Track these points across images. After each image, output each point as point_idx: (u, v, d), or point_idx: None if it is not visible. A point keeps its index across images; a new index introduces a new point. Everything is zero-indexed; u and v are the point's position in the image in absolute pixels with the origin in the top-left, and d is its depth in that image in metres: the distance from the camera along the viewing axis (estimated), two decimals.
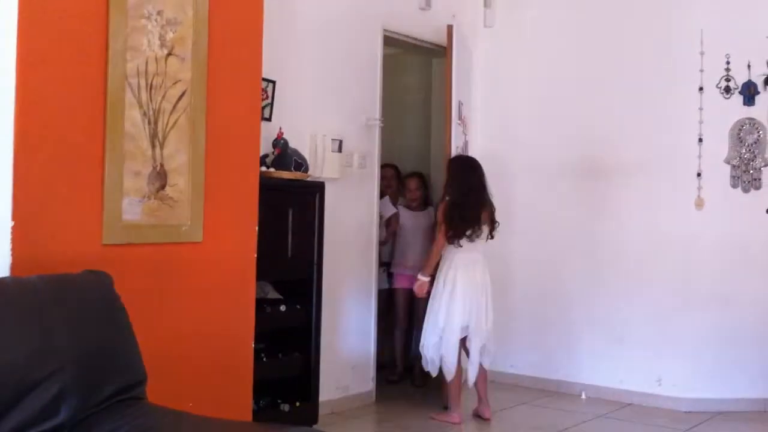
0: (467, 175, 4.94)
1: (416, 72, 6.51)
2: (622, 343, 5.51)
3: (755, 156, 5.36)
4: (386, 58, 5.61)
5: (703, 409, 5.15)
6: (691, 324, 5.32)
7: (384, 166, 5.74)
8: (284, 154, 4.41)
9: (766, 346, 5.24)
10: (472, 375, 4.88)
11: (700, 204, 5.34)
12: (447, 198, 4.92)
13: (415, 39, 5.75)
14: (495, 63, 6.15)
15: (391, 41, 5.60)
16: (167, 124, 3.42)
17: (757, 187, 5.34)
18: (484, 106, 6.13)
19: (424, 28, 5.73)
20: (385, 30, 5.41)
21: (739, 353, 5.27)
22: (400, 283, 5.81)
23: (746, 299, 5.28)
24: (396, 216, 5.86)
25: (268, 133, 4.43)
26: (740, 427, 4.83)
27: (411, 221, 5.86)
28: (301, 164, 4.46)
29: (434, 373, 4.94)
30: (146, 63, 3.34)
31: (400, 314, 5.83)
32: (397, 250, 5.88)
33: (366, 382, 5.21)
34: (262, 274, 3.90)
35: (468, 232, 4.82)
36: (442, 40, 5.92)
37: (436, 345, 4.83)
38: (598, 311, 5.61)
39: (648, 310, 5.45)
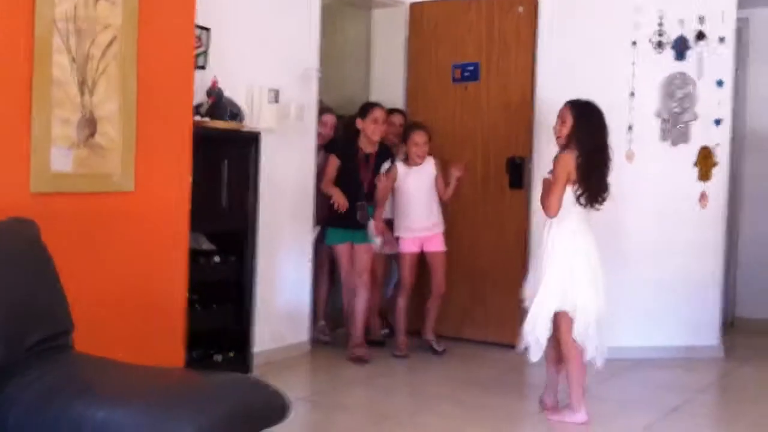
0: (603, 125, 4.17)
1: (356, 23, 6.46)
2: None
3: (685, 110, 5.48)
4: (325, 8, 5.55)
5: (627, 357, 5.32)
6: (620, 274, 5.45)
7: (392, 111, 5.69)
8: (219, 104, 4.35)
9: (693, 295, 5.42)
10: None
11: (630, 157, 5.45)
12: (575, 150, 4.05)
13: None
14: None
15: None
16: (96, 70, 3.36)
17: (686, 141, 5.48)
18: None
19: None
20: None
21: (668, 303, 5.45)
22: (407, 248, 5.44)
23: (674, 250, 5.44)
24: (394, 171, 5.41)
25: (202, 82, 4.37)
26: (658, 374, 5.01)
27: (413, 179, 5.44)
28: (236, 114, 4.42)
29: (537, 359, 4.15)
30: (75, 7, 3.26)
31: (407, 281, 5.45)
32: (400, 212, 5.49)
33: (301, 332, 5.26)
34: (196, 225, 3.90)
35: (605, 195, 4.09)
36: None
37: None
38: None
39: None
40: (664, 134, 5.49)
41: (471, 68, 6.00)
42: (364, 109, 5.28)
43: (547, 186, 4.10)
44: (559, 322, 4.02)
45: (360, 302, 5.21)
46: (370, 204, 5.26)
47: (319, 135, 5.45)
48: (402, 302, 5.42)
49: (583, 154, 4.02)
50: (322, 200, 5.29)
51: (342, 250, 5.25)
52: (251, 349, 4.55)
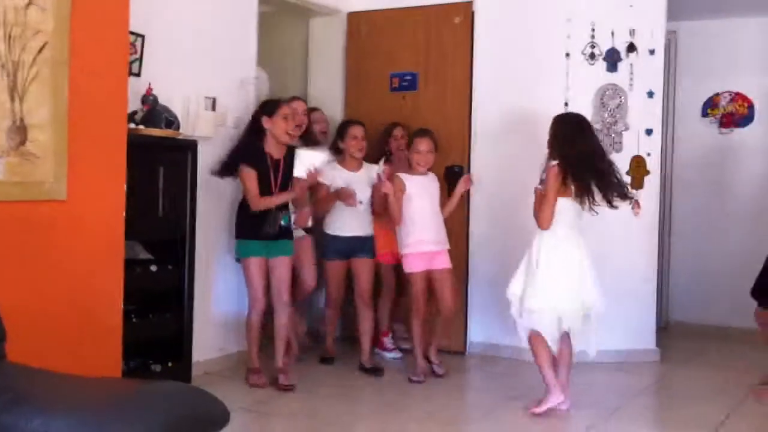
0: (579, 134, 4.32)
1: (294, 31, 6.45)
2: (491, 301, 5.70)
3: (617, 120, 5.61)
4: (263, 16, 5.54)
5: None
6: None
7: (395, 125, 5.60)
8: (154, 111, 4.30)
9: (629, 300, 5.52)
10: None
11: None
12: (558, 161, 4.23)
13: None
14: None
15: None
16: (27, 77, 3.29)
17: (618, 150, 5.60)
18: None
19: None
20: None
21: (606, 308, 5.52)
22: (415, 266, 4.95)
23: (610, 256, 5.52)
24: (399, 181, 5.01)
25: (137, 89, 4.32)
26: (598, 377, 5.09)
27: (418, 190, 5.01)
28: (172, 122, 4.37)
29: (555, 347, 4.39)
30: (4, 13, 3.20)
31: (420, 304, 4.98)
32: (405, 227, 5.00)
33: (240, 342, 5.19)
34: (131, 234, 3.84)
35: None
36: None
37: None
38: (478, 269, 5.77)
39: (516, 269, 5.63)
40: None
41: (409, 77, 6.05)
42: (268, 106, 4.74)
43: (540, 197, 4.26)
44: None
45: (281, 325, 4.73)
46: (285, 213, 4.72)
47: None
48: (418, 325, 4.99)
49: (566, 164, 4.18)
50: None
51: (252, 263, 4.63)
52: (190, 358, 4.49)
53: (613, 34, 5.59)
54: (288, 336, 4.87)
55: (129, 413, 2.13)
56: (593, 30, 5.59)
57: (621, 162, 5.53)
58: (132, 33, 4.18)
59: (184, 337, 4.43)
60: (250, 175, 4.57)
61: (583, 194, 4.19)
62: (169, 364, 4.34)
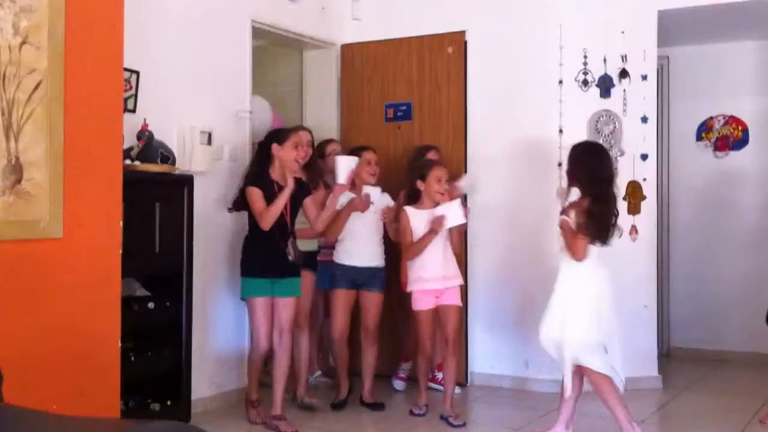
0: (601, 167, 4.24)
1: (287, 64, 6.47)
2: (493, 330, 5.67)
3: (611, 146, 5.61)
4: (256, 50, 5.56)
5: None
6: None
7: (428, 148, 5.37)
8: (149, 147, 4.29)
9: (629, 327, 5.45)
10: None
11: (561, 193, 5.54)
12: (581, 194, 4.16)
13: (285, 30, 5.72)
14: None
15: (260, 33, 5.55)
16: (22, 115, 3.29)
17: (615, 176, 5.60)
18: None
19: (293, 19, 5.71)
20: (253, 21, 5.35)
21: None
22: (423, 304, 4.75)
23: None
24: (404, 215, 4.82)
25: (132, 125, 4.32)
26: (596, 405, 5.04)
27: (424, 223, 4.76)
28: (167, 157, 4.36)
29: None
30: None
31: (427, 344, 4.80)
32: (413, 262, 4.77)
33: (241, 379, 5.14)
34: (128, 271, 3.81)
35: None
36: (312, 31, 5.95)
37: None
38: (478, 298, 5.73)
39: (516, 297, 5.62)
40: None
41: (404, 108, 6.07)
42: (278, 133, 4.65)
43: (568, 229, 4.13)
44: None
45: (281, 370, 4.53)
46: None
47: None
48: (423, 362, 4.87)
49: (587, 197, 4.11)
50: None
51: (257, 303, 4.45)
52: (189, 396, 4.44)
53: (605, 60, 5.62)
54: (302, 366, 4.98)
55: None
56: (585, 57, 5.62)
57: (617, 187, 5.55)
58: (126, 69, 4.18)
59: (183, 374, 4.38)
60: (256, 193, 4.41)
61: (600, 234, 4.13)
62: (168, 403, 4.28)
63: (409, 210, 4.78)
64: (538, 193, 5.59)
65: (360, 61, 6.17)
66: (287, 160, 4.51)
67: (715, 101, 6.70)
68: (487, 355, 5.72)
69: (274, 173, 4.52)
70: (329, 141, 5.61)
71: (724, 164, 6.69)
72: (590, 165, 4.19)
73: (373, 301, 5.05)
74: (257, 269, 4.48)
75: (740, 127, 6.65)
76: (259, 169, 4.57)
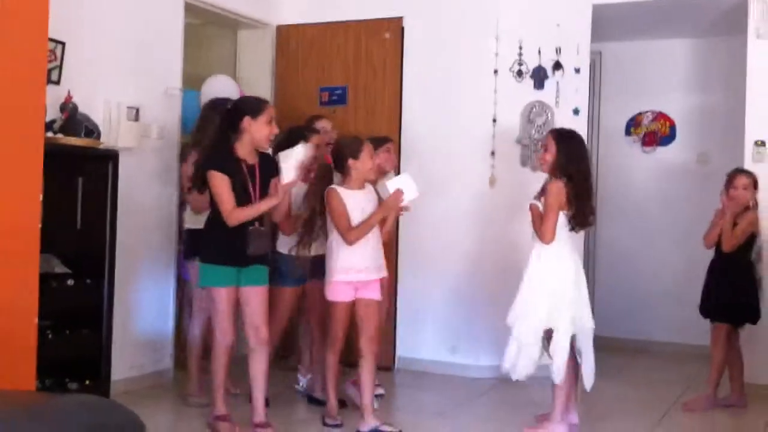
0: (584, 153, 4.29)
1: (221, 44, 6.36)
2: (420, 316, 5.69)
3: (544, 137, 5.66)
4: (190, 27, 5.44)
5: (491, 375, 5.42)
6: (482, 295, 5.57)
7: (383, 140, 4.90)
8: (73, 120, 4.17)
9: None
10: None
11: (492, 182, 5.59)
12: (563, 178, 4.14)
13: (219, 8, 5.62)
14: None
15: (193, 10, 5.43)
16: None
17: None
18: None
19: None
20: None
21: None
22: (344, 295, 4.20)
23: None
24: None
25: (56, 97, 4.19)
26: (522, 392, 5.11)
27: (356, 207, 4.20)
28: (92, 131, 4.24)
29: (524, 376, 4.29)
30: None
31: (339, 337, 4.30)
32: (335, 250, 4.20)
33: (163, 360, 5.06)
34: (48, 247, 3.70)
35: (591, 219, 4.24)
36: (248, 10, 5.86)
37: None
38: (406, 283, 5.74)
39: (445, 284, 5.65)
40: (525, 160, 5.66)
41: (339, 92, 6.03)
42: (254, 104, 4.02)
43: (537, 213, 4.19)
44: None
45: (259, 371, 4.02)
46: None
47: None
48: (334, 359, 4.34)
49: (570, 182, 4.12)
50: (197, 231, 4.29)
51: (222, 295, 3.93)
52: (108, 377, 4.35)
53: (540, 52, 5.67)
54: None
55: (39, 425, 2.03)
56: (521, 48, 5.65)
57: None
58: (52, 40, 4.06)
59: (103, 354, 4.28)
60: (222, 182, 3.82)
61: (579, 214, 4.16)
62: (87, 383, 4.19)
63: (340, 190, 4.18)
64: (470, 181, 5.62)
65: (296, 43, 6.11)
66: (260, 137, 3.93)
67: (645, 97, 6.82)
68: (415, 341, 5.73)
69: (241, 150, 3.92)
70: (318, 117, 5.10)
71: (651, 159, 6.84)
72: (571, 146, 4.22)
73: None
74: (222, 256, 3.91)
75: (668, 123, 6.79)
76: (222, 145, 3.94)
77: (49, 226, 3.61)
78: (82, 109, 4.31)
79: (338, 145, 4.35)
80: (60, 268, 4.16)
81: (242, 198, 3.88)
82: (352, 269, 4.18)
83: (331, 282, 4.20)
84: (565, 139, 4.24)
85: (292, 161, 3.94)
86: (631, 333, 6.66)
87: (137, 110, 4.79)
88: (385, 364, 5.63)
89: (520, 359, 4.20)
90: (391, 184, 4.22)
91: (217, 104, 4.57)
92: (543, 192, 4.25)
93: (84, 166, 4.20)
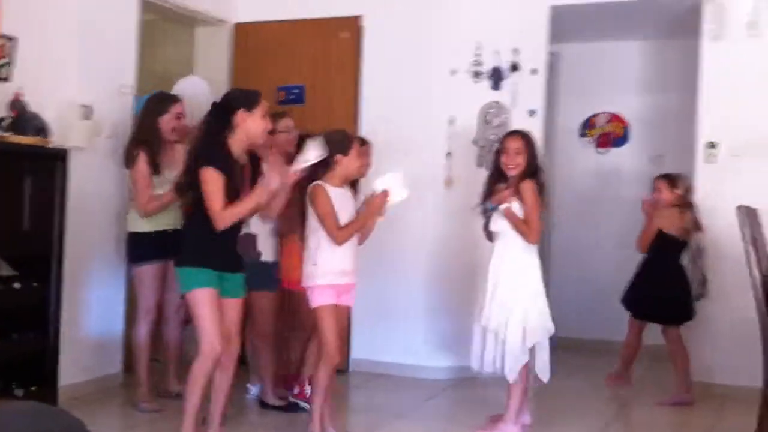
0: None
1: (178, 41, 6.28)
2: (375, 318, 5.68)
3: (500, 137, 5.67)
4: (145, 24, 5.36)
5: (447, 377, 5.43)
6: (438, 296, 5.58)
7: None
8: (22, 118, 4.08)
9: None
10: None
11: (449, 183, 5.60)
12: (533, 178, 4.19)
13: (176, 5, 5.54)
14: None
15: (149, 6, 5.35)
16: None
17: None
18: None
19: None
20: None
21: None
22: (328, 298, 3.94)
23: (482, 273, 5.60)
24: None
25: (5, 95, 4.11)
26: (479, 391, 5.14)
27: (338, 206, 3.95)
28: (41, 129, 4.15)
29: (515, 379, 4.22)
30: None
31: (333, 346, 3.96)
32: (315, 252, 3.93)
33: (113, 364, 4.98)
34: None
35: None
36: (204, 7, 5.79)
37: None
38: (361, 283, 5.66)
39: (400, 285, 5.65)
40: (481, 160, 5.67)
41: (296, 91, 5.99)
42: (249, 97, 3.71)
43: (511, 215, 4.16)
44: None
45: (225, 379, 3.75)
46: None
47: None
48: (326, 374, 4.00)
49: (539, 181, 4.19)
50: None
51: (208, 296, 3.58)
52: (55, 381, 4.26)
53: (497, 53, 5.68)
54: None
55: None
56: (478, 48, 5.66)
57: None
58: (2, 36, 3.97)
59: (49, 358, 4.19)
60: (218, 180, 3.49)
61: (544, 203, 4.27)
62: (33, 388, 4.10)
63: (327, 186, 3.92)
64: (426, 183, 5.62)
65: (253, 42, 6.06)
66: (256, 132, 3.64)
67: (599, 98, 6.90)
68: (369, 342, 5.72)
69: (235, 148, 3.63)
70: (281, 114, 4.80)
71: (605, 160, 6.90)
72: (535, 148, 4.31)
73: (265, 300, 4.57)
74: (208, 259, 3.60)
75: (621, 125, 6.87)
76: (217, 141, 3.60)
77: None
78: (34, 107, 4.22)
79: (327, 139, 3.92)
80: (6, 271, 4.07)
81: (235, 200, 3.57)
82: (334, 272, 3.93)
83: (315, 286, 3.92)
84: (532, 141, 4.31)
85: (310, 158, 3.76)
86: (586, 333, 6.71)
87: (89, 108, 4.70)
88: (338, 366, 5.61)
89: (508, 360, 4.17)
90: (380, 182, 4.02)
91: (160, 98, 4.66)
92: (495, 194, 4.24)
93: (33, 165, 4.11)
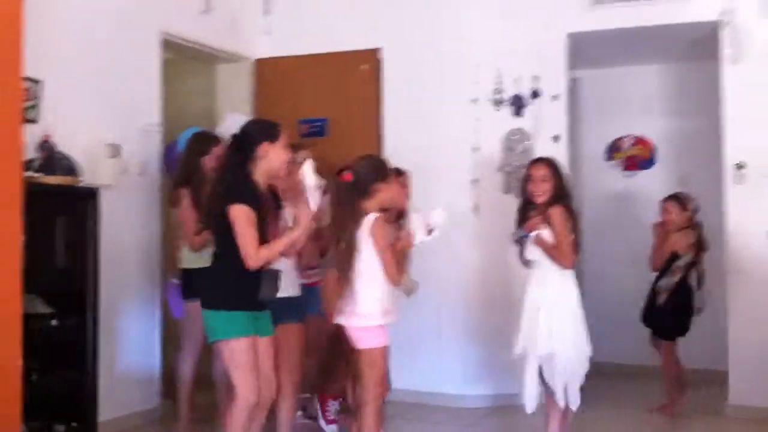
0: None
1: (199, 78, 6.34)
2: (407, 347, 5.63)
3: (524, 164, 5.67)
4: (167, 62, 5.42)
5: (483, 405, 5.39)
6: (465, 325, 5.54)
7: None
8: (51, 158, 4.13)
9: None
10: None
11: (476, 209, 5.58)
12: (563, 204, 4.16)
13: (196, 44, 5.61)
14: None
15: (171, 45, 5.42)
16: None
17: None
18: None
19: (205, 32, 5.61)
20: (163, 33, 5.23)
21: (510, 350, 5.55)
22: (382, 341, 3.76)
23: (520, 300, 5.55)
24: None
25: (34, 136, 4.15)
26: (513, 420, 5.08)
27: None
28: (71, 169, 4.19)
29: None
30: None
31: (383, 388, 3.94)
32: (370, 289, 3.72)
33: (151, 398, 4.97)
34: (30, 288, 3.62)
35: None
36: (224, 45, 5.85)
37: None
38: None
39: (429, 314, 5.60)
40: (507, 187, 5.65)
41: (318, 124, 6.02)
42: (270, 128, 3.57)
43: (541, 242, 4.12)
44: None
45: (285, 413, 3.79)
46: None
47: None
48: (373, 415, 3.78)
49: (567, 207, 4.16)
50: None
51: (244, 346, 3.41)
52: (95, 417, 4.25)
53: (518, 80, 5.69)
54: None
55: None
56: (499, 76, 5.68)
57: None
58: (27, 79, 4.02)
59: (87, 394, 4.19)
60: (249, 217, 3.33)
61: (577, 238, 4.21)
62: (74, 425, 4.09)
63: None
64: (454, 210, 5.58)
65: (274, 76, 6.10)
66: (279, 164, 3.50)
67: (623, 122, 6.88)
68: (403, 372, 5.63)
69: (258, 181, 3.50)
70: (298, 146, 4.55)
71: (632, 183, 6.87)
72: (563, 174, 4.27)
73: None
74: (242, 300, 3.42)
75: (647, 148, 6.85)
76: (243, 175, 3.45)
77: (30, 266, 3.53)
78: (61, 147, 4.27)
79: (366, 165, 3.79)
80: (43, 308, 4.08)
81: (260, 237, 3.40)
82: (388, 312, 3.73)
83: (373, 327, 3.69)
84: (557, 167, 4.27)
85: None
86: (616, 358, 6.60)
87: (117, 147, 4.74)
88: None
89: (570, 390, 4.09)
90: (416, 222, 3.86)
91: (203, 137, 4.60)
92: (528, 221, 4.21)
93: (64, 204, 4.14)
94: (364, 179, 3.68)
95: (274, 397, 3.64)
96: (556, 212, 4.10)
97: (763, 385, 5.16)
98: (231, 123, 4.67)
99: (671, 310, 5.29)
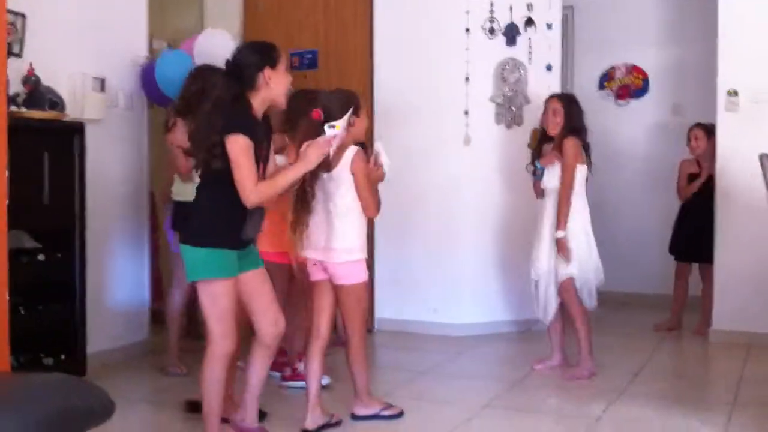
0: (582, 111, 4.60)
1: (188, 10, 6.25)
2: (399, 278, 5.69)
3: (517, 94, 5.64)
4: None
5: (473, 333, 5.46)
6: (462, 255, 5.58)
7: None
8: (36, 92, 4.09)
9: (525, 272, 5.59)
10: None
11: (468, 141, 5.56)
12: (576, 135, 4.44)
13: None
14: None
15: None
16: None
17: (519, 123, 5.64)
18: None
19: None
20: None
21: (505, 280, 5.61)
22: (366, 274, 3.71)
23: (511, 229, 5.59)
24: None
25: (18, 71, 4.09)
26: (503, 346, 5.22)
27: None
28: (56, 103, 4.16)
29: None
30: None
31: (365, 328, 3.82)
32: (358, 223, 3.67)
33: (140, 332, 5.04)
34: (15, 223, 3.63)
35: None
36: None
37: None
38: (382, 245, 5.72)
39: (423, 245, 5.64)
40: (499, 118, 5.63)
41: (309, 56, 5.96)
42: (270, 52, 3.20)
43: (562, 247, 4.44)
44: (568, 286, 4.48)
45: (263, 366, 3.38)
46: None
47: None
48: (362, 358, 3.78)
49: (579, 138, 4.44)
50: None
51: (226, 288, 3.15)
52: (84, 350, 4.31)
53: (511, 8, 5.61)
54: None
55: (6, 406, 2.02)
56: (492, 5, 5.59)
57: (522, 135, 5.61)
58: (11, 12, 3.96)
59: (77, 328, 4.24)
60: (248, 150, 3.05)
61: (589, 162, 4.53)
62: (62, 357, 4.16)
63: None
64: (445, 141, 5.59)
65: (263, 7, 6.02)
66: (281, 91, 3.19)
67: (617, 51, 6.81)
68: (394, 303, 5.73)
69: (257, 110, 3.19)
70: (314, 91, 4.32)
71: (625, 112, 6.83)
72: (576, 106, 4.56)
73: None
74: (228, 239, 3.14)
75: (641, 76, 6.78)
76: (242, 105, 3.15)
77: (16, 201, 3.54)
78: (46, 81, 4.22)
79: (335, 99, 3.62)
80: (30, 243, 4.11)
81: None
82: (364, 245, 3.66)
83: (358, 261, 3.61)
84: (571, 101, 4.57)
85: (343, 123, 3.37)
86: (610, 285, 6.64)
87: (103, 80, 4.70)
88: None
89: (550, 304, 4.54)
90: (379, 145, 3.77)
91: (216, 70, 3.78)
92: (543, 154, 4.56)
93: (50, 140, 4.12)
94: (334, 115, 3.44)
95: (282, 331, 3.35)
96: (569, 144, 4.38)
97: (747, 310, 5.20)
98: (208, 41, 4.49)
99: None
